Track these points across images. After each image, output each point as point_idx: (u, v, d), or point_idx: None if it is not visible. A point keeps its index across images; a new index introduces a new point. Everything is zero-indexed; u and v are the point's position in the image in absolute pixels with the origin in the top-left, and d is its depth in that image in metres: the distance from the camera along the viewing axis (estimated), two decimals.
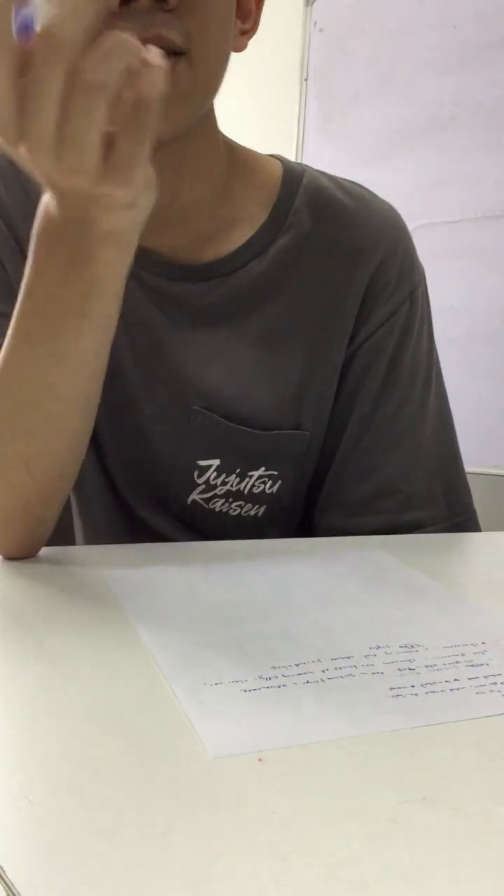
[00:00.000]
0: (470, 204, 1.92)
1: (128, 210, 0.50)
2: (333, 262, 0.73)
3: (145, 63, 0.43)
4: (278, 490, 0.77)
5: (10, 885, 0.27)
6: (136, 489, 0.77)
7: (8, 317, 0.66)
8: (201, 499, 0.75)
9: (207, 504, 0.76)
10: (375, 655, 0.46)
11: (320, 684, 0.43)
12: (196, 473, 0.74)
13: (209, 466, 0.74)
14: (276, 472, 0.76)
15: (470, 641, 0.48)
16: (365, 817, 0.32)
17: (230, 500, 0.76)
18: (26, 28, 0.40)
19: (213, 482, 0.75)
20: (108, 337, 0.56)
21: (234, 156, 0.72)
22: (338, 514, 0.77)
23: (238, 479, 0.75)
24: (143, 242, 0.69)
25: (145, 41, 0.54)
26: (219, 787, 0.34)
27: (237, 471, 0.74)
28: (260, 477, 0.75)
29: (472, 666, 0.45)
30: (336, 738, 0.38)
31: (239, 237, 0.72)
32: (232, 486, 0.75)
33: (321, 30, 2.16)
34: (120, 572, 0.61)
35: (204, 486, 0.75)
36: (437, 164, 1.98)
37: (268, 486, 0.76)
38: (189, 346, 0.72)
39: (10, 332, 0.56)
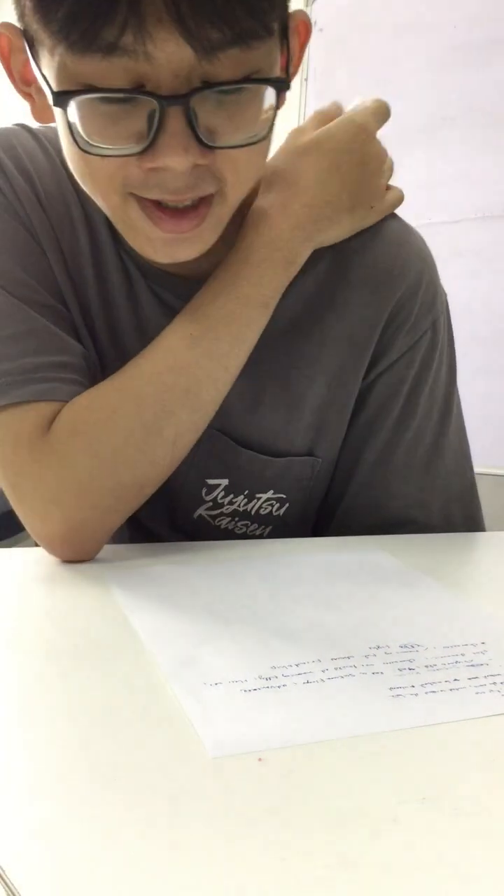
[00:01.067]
0: (470, 204, 1.92)
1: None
2: (356, 291, 0.72)
3: None
4: (285, 513, 0.76)
5: (10, 885, 0.27)
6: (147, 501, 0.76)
7: (50, 307, 0.67)
8: (208, 515, 0.75)
9: (213, 521, 0.76)
10: (375, 655, 0.46)
11: (320, 684, 0.43)
12: (204, 491, 0.74)
13: (217, 486, 0.74)
14: (284, 496, 0.75)
15: (470, 641, 0.48)
16: (365, 817, 0.32)
17: (236, 518, 0.76)
18: None
19: (220, 500, 0.74)
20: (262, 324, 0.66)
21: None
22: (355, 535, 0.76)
23: (246, 500, 0.74)
24: (164, 266, 0.68)
25: (178, 200, 0.56)
26: (219, 787, 0.34)
27: (245, 492, 0.74)
28: (268, 499, 0.75)
29: (472, 666, 0.45)
30: (336, 738, 0.38)
31: None
32: (239, 506, 0.75)
33: (321, 30, 2.16)
34: (120, 572, 0.61)
35: (211, 504, 0.75)
36: (436, 164, 1.98)
37: (275, 508, 0.76)
38: None
39: (197, 314, 0.64)
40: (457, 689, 0.42)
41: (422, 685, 0.43)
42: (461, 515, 0.78)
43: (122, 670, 0.44)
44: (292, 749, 0.37)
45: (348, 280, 0.72)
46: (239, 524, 0.76)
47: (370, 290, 0.72)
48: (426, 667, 0.45)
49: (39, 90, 0.56)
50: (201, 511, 0.75)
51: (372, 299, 0.72)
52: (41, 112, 0.59)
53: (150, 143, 0.51)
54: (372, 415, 0.75)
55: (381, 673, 0.44)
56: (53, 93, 0.52)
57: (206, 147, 0.52)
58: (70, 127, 0.52)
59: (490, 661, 0.46)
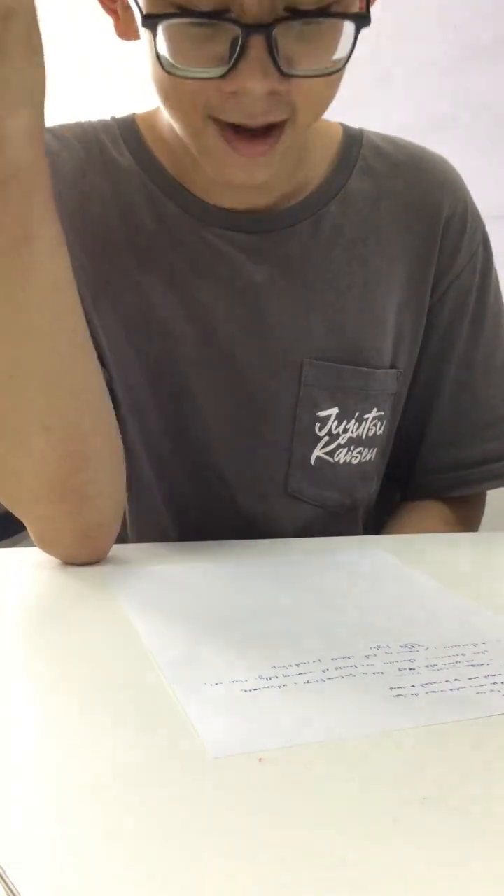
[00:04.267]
0: None
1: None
2: (408, 210, 0.76)
3: None
4: (383, 431, 0.79)
5: (10, 885, 0.27)
6: (245, 475, 0.75)
7: None
8: (325, 453, 0.76)
9: (332, 457, 0.76)
10: (375, 655, 0.46)
11: (320, 684, 0.43)
12: (318, 426, 0.75)
13: (329, 416, 0.74)
14: (382, 413, 0.77)
15: (470, 641, 0.48)
16: (365, 817, 0.32)
17: (352, 447, 0.76)
18: None
19: (335, 432, 0.75)
20: (57, 261, 0.57)
21: None
22: (447, 449, 0.81)
23: (357, 424, 0.76)
24: (228, 203, 0.70)
25: (254, 123, 0.57)
26: (219, 787, 0.34)
27: (356, 415, 0.75)
28: (373, 419, 0.77)
29: (473, 666, 0.45)
30: (336, 738, 0.38)
31: (313, 186, 0.74)
32: (353, 432, 0.76)
33: None
34: (120, 572, 0.61)
35: (327, 438, 0.75)
36: None
37: (378, 427, 0.78)
38: (288, 298, 0.72)
39: None
40: (457, 690, 0.42)
41: (422, 685, 0.43)
42: None
43: (122, 670, 0.44)
44: (292, 749, 0.37)
45: (399, 198, 0.75)
46: (354, 452, 0.77)
47: (420, 209, 0.76)
48: (426, 667, 0.45)
49: (126, 7, 0.59)
50: (318, 452, 0.75)
51: (422, 217, 0.76)
52: (125, 29, 0.61)
53: (231, 67, 0.53)
54: (446, 329, 0.79)
55: (382, 673, 0.44)
56: (143, 15, 0.54)
57: (284, 75, 0.54)
58: (156, 48, 0.54)
59: (490, 661, 0.46)
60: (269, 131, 0.59)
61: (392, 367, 0.77)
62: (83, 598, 0.56)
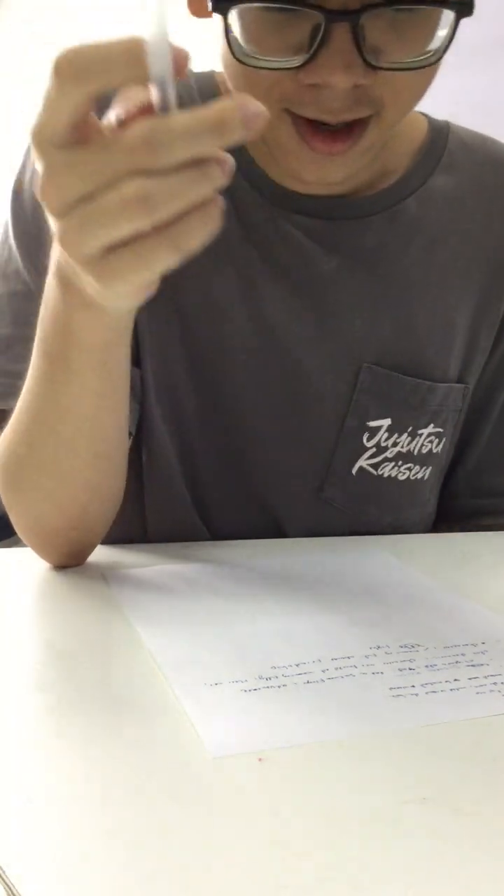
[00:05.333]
0: None
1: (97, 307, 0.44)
2: (493, 212, 0.71)
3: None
4: (441, 449, 0.74)
5: (10, 885, 0.27)
6: (278, 473, 0.72)
7: None
8: (369, 465, 0.71)
9: (376, 470, 0.71)
10: (375, 655, 0.46)
11: (320, 684, 0.43)
12: (366, 436, 0.70)
13: (379, 427, 0.70)
14: (441, 430, 0.72)
15: (470, 641, 0.48)
16: (365, 817, 0.32)
17: (400, 462, 0.71)
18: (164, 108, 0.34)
19: (383, 444, 0.70)
20: (101, 399, 0.52)
21: None
22: (481, 474, 0.77)
23: (409, 439, 0.71)
24: (302, 188, 0.64)
25: (334, 119, 0.52)
26: (219, 787, 0.34)
27: (409, 429, 0.70)
28: (429, 435, 0.72)
29: (472, 666, 0.45)
30: (336, 738, 0.38)
31: (394, 178, 0.69)
32: (403, 446, 0.71)
33: None
34: (120, 572, 0.61)
35: (374, 450, 0.70)
36: None
37: (434, 444, 0.73)
38: (355, 294, 0.68)
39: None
40: (457, 690, 0.42)
41: (422, 685, 0.43)
42: None
43: (122, 670, 0.44)
44: (292, 749, 0.37)
45: (487, 198, 0.71)
46: (402, 469, 0.72)
47: None
48: (426, 667, 0.45)
49: None
50: (362, 462, 0.71)
51: None
52: (198, 6, 0.55)
53: (311, 57, 0.48)
54: None
55: (381, 673, 0.44)
56: None
57: (371, 67, 0.49)
58: (228, 33, 0.49)
59: (490, 662, 0.46)
60: (349, 128, 0.54)
61: (459, 381, 0.72)
62: (83, 598, 0.56)
